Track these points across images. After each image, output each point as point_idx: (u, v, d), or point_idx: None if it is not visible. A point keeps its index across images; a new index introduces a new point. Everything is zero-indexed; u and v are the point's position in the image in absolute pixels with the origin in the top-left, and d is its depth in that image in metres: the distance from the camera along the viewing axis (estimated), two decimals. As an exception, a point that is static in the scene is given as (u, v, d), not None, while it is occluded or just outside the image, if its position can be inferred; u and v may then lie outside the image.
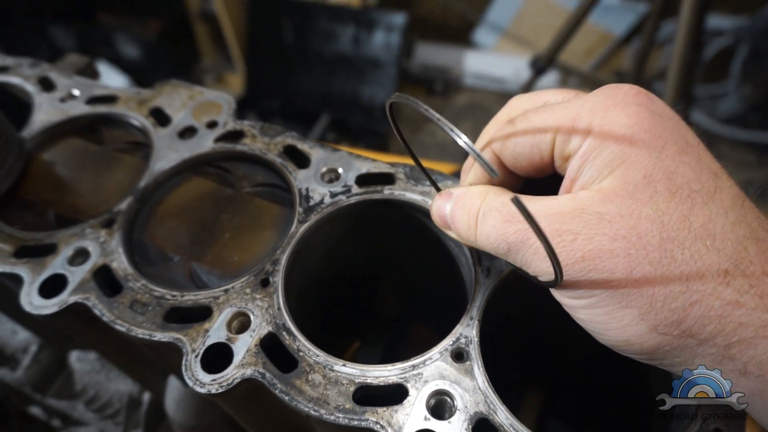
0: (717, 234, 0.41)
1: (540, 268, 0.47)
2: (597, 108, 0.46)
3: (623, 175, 0.43)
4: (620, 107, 0.45)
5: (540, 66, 2.61)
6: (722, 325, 0.41)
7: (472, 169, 0.56)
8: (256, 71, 3.77)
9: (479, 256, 0.67)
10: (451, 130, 0.45)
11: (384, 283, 0.93)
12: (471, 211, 0.52)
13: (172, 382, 0.91)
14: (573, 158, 0.47)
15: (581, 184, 0.46)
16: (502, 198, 0.50)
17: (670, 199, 0.42)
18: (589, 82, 3.32)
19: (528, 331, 0.84)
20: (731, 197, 0.43)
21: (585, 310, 0.46)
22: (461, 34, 4.05)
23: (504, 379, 0.60)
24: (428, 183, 0.74)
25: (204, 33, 4.11)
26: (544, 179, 0.53)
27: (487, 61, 3.94)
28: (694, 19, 1.98)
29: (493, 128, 0.55)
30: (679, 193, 0.42)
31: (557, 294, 0.49)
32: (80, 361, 1.08)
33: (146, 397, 1.05)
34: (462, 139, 0.46)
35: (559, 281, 0.45)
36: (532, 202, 0.48)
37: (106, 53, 3.80)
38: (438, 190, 0.61)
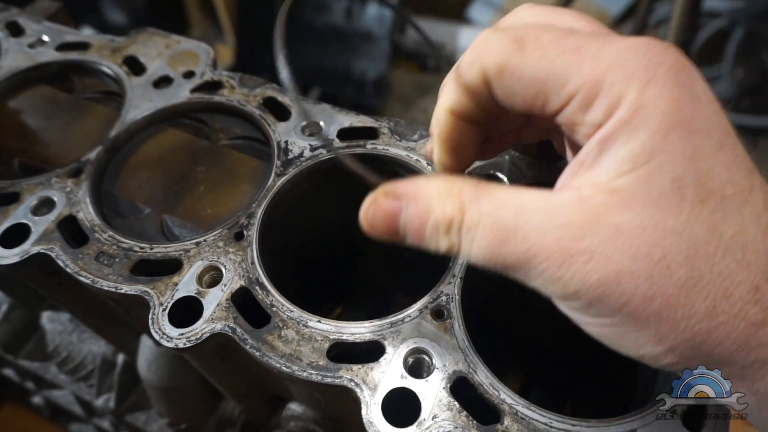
0: (749, 245, 0.36)
1: (548, 288, 0.39)
2: (635, 77, 0.37)
3: (648, 177, 0.36)
4: (661, 85, 0.37)
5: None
6: (742, 348, 0.37)
7: (435, 117, 0.48)
8: (247, 43, 3.68)
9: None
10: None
11: (366, 244, 0.90)
12: (443, 225, 0.41)
13: (145, 342, 0.88)
14: (590, 139, 0.39)
15: (595, 176, 0.38)
16: (485, 204, 0.40)
17: (700, 207, 0.36)
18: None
19: (512, 299, 0.82)
20: (763, 197, 0.37)
21: (596, 328, 0.41)
22: (456, 10, 3.98)
23: (488, 347, 0.58)
24: (413, 138, 0.71)
25: (193, 2, 4.00)
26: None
27: (481, 38, 3.88)
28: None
29: (493, 42, 0.41)
30: (709, 200, 0.36)
31: (563, 307, 0.42)
32: (52, 322, 1.05)
33: (120, 358, 1.02)
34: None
35: None
36: (521, 195, 0.40)
37: (92, 19, 3.69)
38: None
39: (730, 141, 0.38)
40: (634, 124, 0.37)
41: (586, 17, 0.45)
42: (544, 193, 0.39)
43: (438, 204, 0.41)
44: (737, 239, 0.36)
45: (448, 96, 0.46)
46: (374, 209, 0.44)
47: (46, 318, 1.06)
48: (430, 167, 0.69)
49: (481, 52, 0.42)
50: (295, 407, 0.73)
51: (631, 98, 0.37)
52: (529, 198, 0.39)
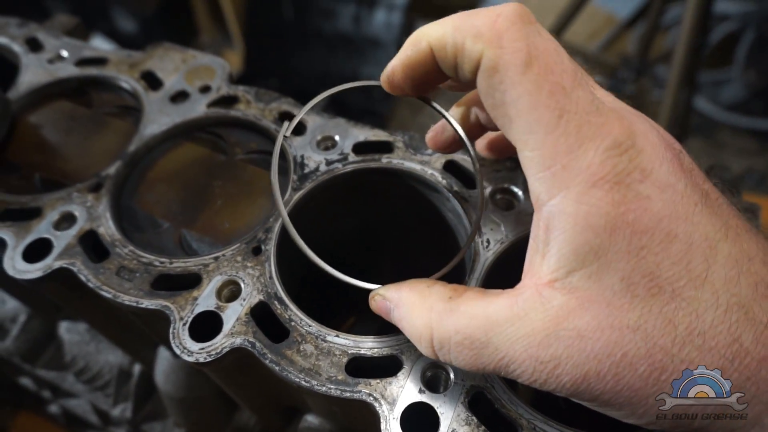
0: (707, 331, 0.38)
1: (529, 385, 0.43)
2: (580, 177, 0.39)
3: (598, 276, 0.39)
4: (607, 188, 0.39)
5: (543, 46, 2.56)
6: (715, 426, 0.41)
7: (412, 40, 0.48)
8: (255, 49, 3.71)
9: (479, 227, 0.65)
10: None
11: (380, 257, 0.91)
12: (415, 339, 0.48)
13: (162, 353, 0.89)
14: (539, 225, 0.42)
15: (549, 269, 0.41)
16: (453, 322, 0.44)
17: (652, 301, 0.39)
18: (593, 63, 3.28)
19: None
20: (725, 273, 0.39)
21: (583, 404, 0.44)
22: (464, 14, 3.99)
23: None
24: (428, 152, 0.72)
25: (202, 8, 4.03)
26: None
27: (489, 42, 3.88)
28: (701, 1, 1.95)
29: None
30: (661, 294, 0.39)
31: None
32: (69, 332, 1.06)
33: (137, 369, 1.03)
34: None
35: None
36: (489, 306, 0.43)
37: (102, 27, 3.73)
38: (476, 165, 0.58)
39: (683, 229, 0.39)
40: (578, 221, 0.39)
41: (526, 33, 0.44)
42: (510, 299, 0.43)
43: (408, 319, 0.48)
44: (695, 328, 0.38)
45: (437, 29, 0.46)
46: (373, 303, 0.53)
47: (64, 328, 1.08)
48: (444, 181, 0.69)
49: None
50: (311, 419, 0.74)
51: (575, 197, 0.39)
52: (496, 309, 0.43)
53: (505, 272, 0.63)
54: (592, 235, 0.39)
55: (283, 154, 0.75)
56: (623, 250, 0.39)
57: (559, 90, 0.40)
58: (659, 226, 0.39)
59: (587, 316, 0.39)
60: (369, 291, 0.56)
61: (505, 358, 0.42)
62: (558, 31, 2.54)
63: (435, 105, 0.58)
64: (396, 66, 0.50)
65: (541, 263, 0.42)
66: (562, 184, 0.40)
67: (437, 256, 0.80)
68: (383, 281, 0.56)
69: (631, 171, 0.39)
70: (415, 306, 0.48)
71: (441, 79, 0.50)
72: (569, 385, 0.40)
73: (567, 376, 0.40)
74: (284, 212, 0.55)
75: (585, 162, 0.39)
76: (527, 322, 0.41)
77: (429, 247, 0.80)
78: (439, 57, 0.46)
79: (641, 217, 0.39)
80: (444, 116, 0.58)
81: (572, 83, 0.40)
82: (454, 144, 0.60)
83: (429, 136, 0.62)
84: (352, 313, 0.98)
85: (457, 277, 0.63)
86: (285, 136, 0.57)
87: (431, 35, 0.46)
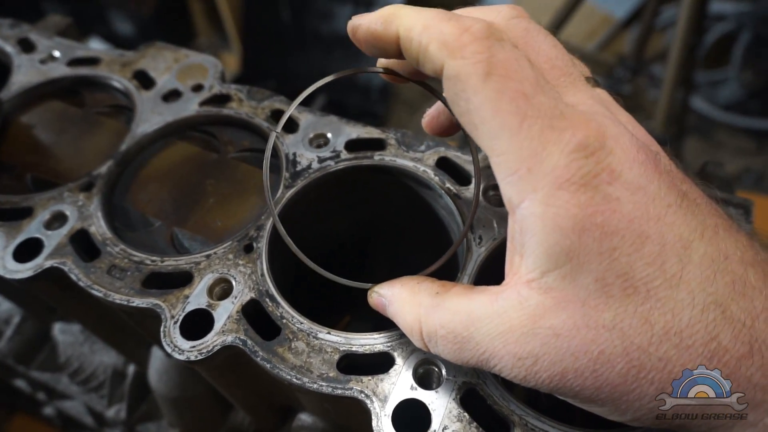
0: (684, 329, 0.39)
1: (509, 375, 0.44)
2: (546, 179, 0.39)
3: (572, 277, 0.40)
4: (573, 190, 0.39)
5: (539, 46, 2.56)
6: (707, 425, 0.42)
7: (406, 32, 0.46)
8: (253, 51, 3.71)
9: (471, 224, 0.65)
10: None
11: (373, 254, 0.90)
12: (407, 332, 0.50)
13: (156, 353, 0.88)
14: (514, 227, 0.43)
15: (527, 270, 0.42)
16: (439, 317, 0.47)
17: (627, 301, 0.39)
18: (590, 62, 3.28)
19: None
20: (700, 272, 0.39)
21: (567, 401, 0.45)
22: (461, 15, 3.99)
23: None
24: (420, 149, 0.72)
25: (199, 11, 4.04)
26: None
27: (486, 43, 3.88)
28: (696, 1, 1.95)
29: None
30: (636, 294, 0.39)
31: None
32: (63, 333, 1.06)
33: (131, 369, 1.03)
34: None
35: None
36: (472, 302, 0.45)
37: (100, 30, 3.73)
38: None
39: (656, 229, 0.39)
40: (547, 223, 0.39)
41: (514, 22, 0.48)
42: (491, 297, 0.44)
43: (401, 314, 0.51)
44: (671, 326, 0.39)
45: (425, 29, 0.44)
46: (371, 300, 0.55)
47: (58, 329, 1.07)
48: (437, 178, 0.69)
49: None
50: (305, 418, 0.74)
51: (542, 199, 0.39)
52: (478, 305, 0.45)
53: (498, 268, 0.63)
54: (561, 237, 0.39)
55: (275, 152, 0.75)
56: (594, 251, 0.39)
57: (519, 96, 0.40)
58: (630, 227, 0.39)
59: (563, 315, 0.40)
60: (362, 290, 0.56)
61: (485, 353, 0.43)
62: (555, 29, 2.54)
63: (430, 86, 0.56)
64: (362, 26, 0.49)
65: (519, 263, 0.43)
66: (529, 186, 0.40)
67: (430, 253, 0.80)
68: (377, 278, 0.56)
69: (598, 173, 0.39)
70: (406, 302, 0.51)
71: (401, 57, 0.48)
72: (548, 381, 0.41)
73: (545, 372, 0.41)
74: (278, 221, 0.55)
75: (550, 165, 0.39)
76: (506, 319, 0.42)
77: (422, 244, 0.80)
78: (404, 47, 0.46)
79: (610, 219, 0.39)
80: (438, 97, 0.56)
81: (534, 90, 0.40)
82: (452, 127, 0.59)
83: (425, 120, 0.61)
84: (348, 311, 0.97)
85: (450, 272, 0.63)
86: (277, 134, 0.56)
87: (402, 24, 0.45)
